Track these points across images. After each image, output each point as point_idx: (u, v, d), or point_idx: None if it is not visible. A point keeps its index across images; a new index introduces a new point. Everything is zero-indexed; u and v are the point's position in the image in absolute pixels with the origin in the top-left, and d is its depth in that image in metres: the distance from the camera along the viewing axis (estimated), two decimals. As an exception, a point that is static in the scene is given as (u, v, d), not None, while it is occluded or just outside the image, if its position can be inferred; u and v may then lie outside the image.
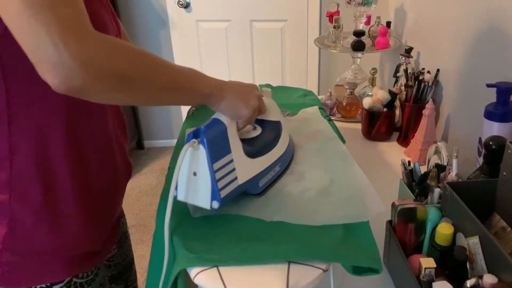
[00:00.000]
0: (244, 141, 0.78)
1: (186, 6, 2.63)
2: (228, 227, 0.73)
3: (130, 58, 0.56)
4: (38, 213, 0.67)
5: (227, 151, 0.72)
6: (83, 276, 0.75)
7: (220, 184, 0.70)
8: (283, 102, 1.26)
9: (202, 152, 0.68)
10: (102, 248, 0.79)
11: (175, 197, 0.72)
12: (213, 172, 0.69)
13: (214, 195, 0.69)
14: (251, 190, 0.79)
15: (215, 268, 0.63)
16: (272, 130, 0.86)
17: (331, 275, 0.71)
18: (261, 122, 0.86)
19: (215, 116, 0.73)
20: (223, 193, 0.70)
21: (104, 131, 0.75)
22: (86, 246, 0.74)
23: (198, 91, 0.67)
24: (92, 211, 0.74)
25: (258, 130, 0.85)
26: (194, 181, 0.71)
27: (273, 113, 0.87)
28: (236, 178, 0.73)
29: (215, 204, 0.69)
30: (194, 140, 0.68)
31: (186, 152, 0.68)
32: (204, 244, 0.68)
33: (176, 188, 0.72)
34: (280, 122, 0.88)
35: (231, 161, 0.72)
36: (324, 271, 0.63)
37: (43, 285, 0.70)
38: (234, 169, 0.73)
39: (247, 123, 0.76)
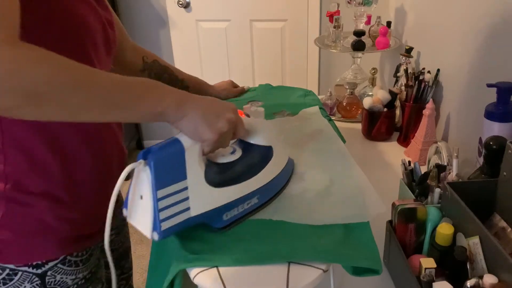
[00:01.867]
0: (213, 166, 0.69)
1: (186, 6, 2.63)
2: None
3: (45, 73, 0.51)
4: (34, 199, 0.72)
5: (181, 176, 0.63)
6: (78, 255, 0.78)
7: (164, 214, 0.61)
8: (283, 102, 1.26)
9: (147, 176, 0.60)
10: (97, 231, 0.82)
11: (126, 217, 0.67)
12: (156, 200, 0.60)
13: (155, 225, 0.61)
14: (211, 223, 0.69)
15: (215, 269, 0.63)
16: (257, 156, 0.74)
17: (331, 275, 0.71)
18: (247, 146, 0.75)
19: (178, 135, 0.65)
20: (166, 225, 0.62)
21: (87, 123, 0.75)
22: (80, 229, 0.78)
23: (142, 109, 0.60)
24: (85, 198, 0.78)
25: (236, 155, 0.72)
26: (140, 204, 0.63)
27: (262, 137, 0.75)
28: (188, 209, 0.64)
29: (155, 236, 0.62)
30: (141, 160, 0.61)
31: (135, 173, 0.62)
32: (203, 244, 0.68)
33: (126, 207, 0.66)
34: (272, 147, 0.76)
35: (185, 188, 0.63)
36: (324, 271, 0.63)
37: (39, 262, 0.74)
38: (186, 198, 0.64)
39: (213, 148, 0.68)
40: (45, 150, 0.71)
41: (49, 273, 0.75)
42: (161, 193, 0.61)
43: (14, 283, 0.73)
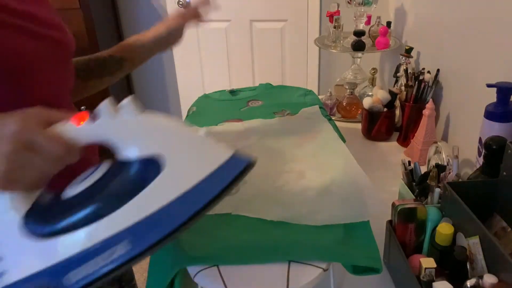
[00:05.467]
0: (49, 203, 0.48)
1: (186, 6, 2.63)
2: (229, 226, 0.73)
3: None
4: None
5: None
6: None
7: None
8: (284, 101, 1.26)
9: None
10: None
11: None
12: None
13: None
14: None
15: (216, 267, 0.63)
16: (128, 176, 0.47)
17: (331, 274, 0.71)
18: (116, 162, 0.49)
19: None
20: None
21: None
22: None
23: None
24: None
25: (91, 179, 0.48)
26: None
27: (140, 144, 0.48)
28: None
29: None
30: None
31: None
32: (204, 243, 0.68)
33: None
34: (164, 156, 0.47)
35: None
36: (324, 270, 0.63)
37: None
38: None
39: (7, 189, 0.45)
40: None
41: None
42: None
43: None
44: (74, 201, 0.47)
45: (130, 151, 0.48)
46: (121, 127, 0.47)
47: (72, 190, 0.48)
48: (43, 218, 0.47)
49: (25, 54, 0.61)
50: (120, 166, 0.48)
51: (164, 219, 0.47)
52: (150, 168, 0.47)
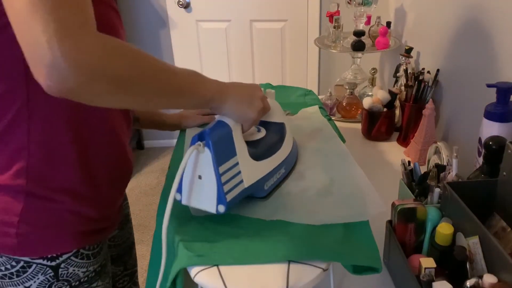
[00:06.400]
0: (248, 143, 0.77)
1: (186, 6, 2.63)
2: (229, 226, 0.73)
3: (129, 61, 0.56)
4: (53, 194, 0.73)
5: (233, 153, 0.71)
6: (90, 249, 0.80)
7: (226, 187, 0.69)
8: (284, 101, 1.26)
9: (207, 155, 0.67)
10: (107, 226, 0.84)
11: (179, 201, 0.72)
12: (219, 175, 0.68)
13: (220, 198, 0.68)
14: (256, 193, 0.78)
15: (216, 267, 0.63)
16: (276, 132, 0.85)
17: (331, 274, 0.71)
18: (265, 124, 0.85)
19: (219, 118, 0.73)
20: (229, 197, 0.69)
21: (109, 118, 0.77)
22: (94, 223, 0.80)
23: (199, 95, 0.67)
24: (101, 193, 0.79)
25: (263, 132, 0.83)
26: (199, 184, 0.70)
27: (277, 115, 0.86)
28: (241, 181, 0.72)
29: (221, 208, 0.69)
30: (199, 142, 0.68)
31: (191, 155, 0.68)
32: (204, 243, 0.68)
33: (180, 192, 0.72)
34: (284, 123, 0.86)
35: (237, 164, 0.71)
36: (324, 270, 0.63)
37: (54, 254, 0.75)
38: (239, 172, 0.72)
39: (253, 125, 0.76)
40: (69, 147, 0.72)
41: (62, 265, 0.76)
42: (221, 168, 0.68)
43: (27, 275, 0.74)
44: (259, 142, 0.80)
45: (277, 118, 0.86)
46: (274, 104, 0.85)
47: (253, 137, 0.81)
48: (251, 150, 0.75)
49: (115, 27, 0.73)
50: (272, 125, 0.85)
51: (291, 158, 0.87)
52: (282, 128, 0.86)
